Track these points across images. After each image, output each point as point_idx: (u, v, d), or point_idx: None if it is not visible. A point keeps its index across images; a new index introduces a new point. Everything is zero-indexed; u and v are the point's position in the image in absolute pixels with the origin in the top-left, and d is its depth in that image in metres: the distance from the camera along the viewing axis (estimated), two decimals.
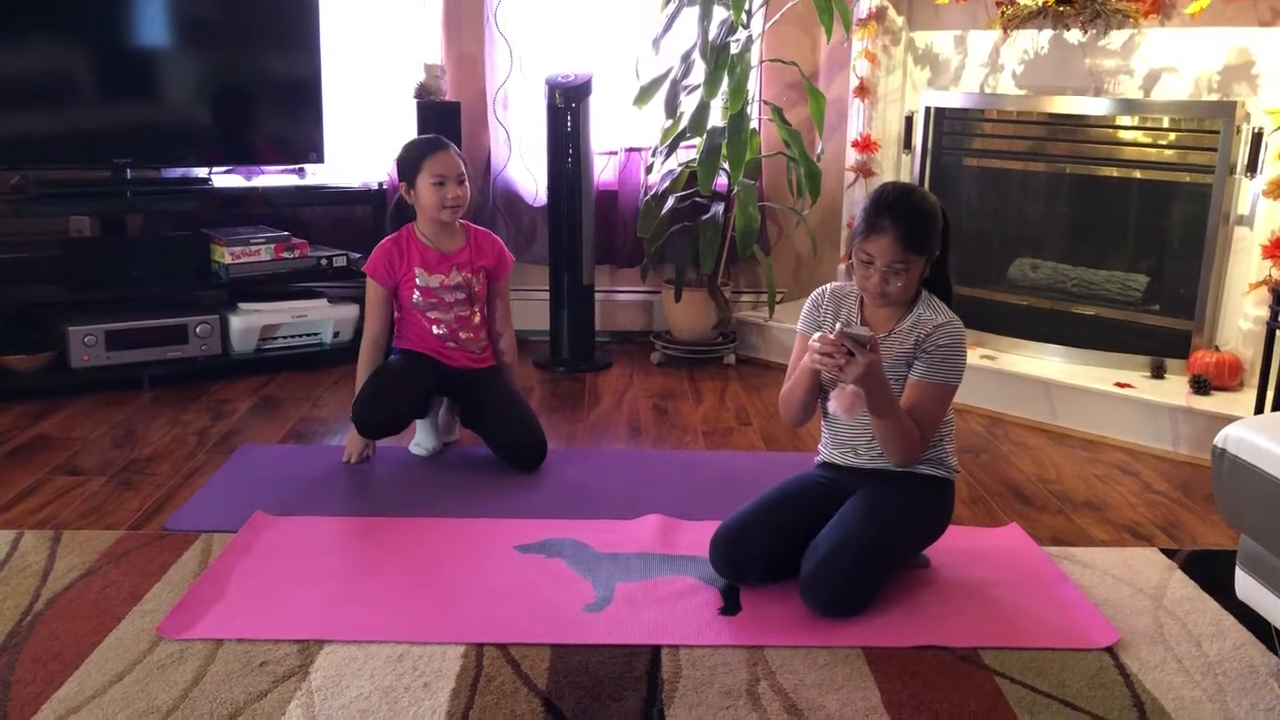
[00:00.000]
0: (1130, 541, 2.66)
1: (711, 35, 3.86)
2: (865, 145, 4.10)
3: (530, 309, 4.49)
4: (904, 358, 2.29)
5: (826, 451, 2.45)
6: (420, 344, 3.10)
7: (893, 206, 2.20)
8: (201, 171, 4.08)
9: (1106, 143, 3.68)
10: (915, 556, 2.44)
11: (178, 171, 4.09)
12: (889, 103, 4.07)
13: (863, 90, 4.09)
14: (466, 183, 3.02)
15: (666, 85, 4.02)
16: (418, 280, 3.04)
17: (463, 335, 3.11)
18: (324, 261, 4.07)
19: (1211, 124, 3.37)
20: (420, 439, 3.16)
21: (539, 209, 4.35)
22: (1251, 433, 1.91)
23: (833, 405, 2.24)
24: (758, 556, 2.30)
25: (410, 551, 2.48)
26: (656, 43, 4.03)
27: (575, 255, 4.11)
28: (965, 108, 3.91)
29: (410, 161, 3.00)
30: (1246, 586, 2.01)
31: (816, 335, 2.17)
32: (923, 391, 2.26)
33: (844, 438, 2.39)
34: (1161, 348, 3.54)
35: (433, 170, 2.96)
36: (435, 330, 3.08)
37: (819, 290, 2.44)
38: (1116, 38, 3.47)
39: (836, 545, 2.21)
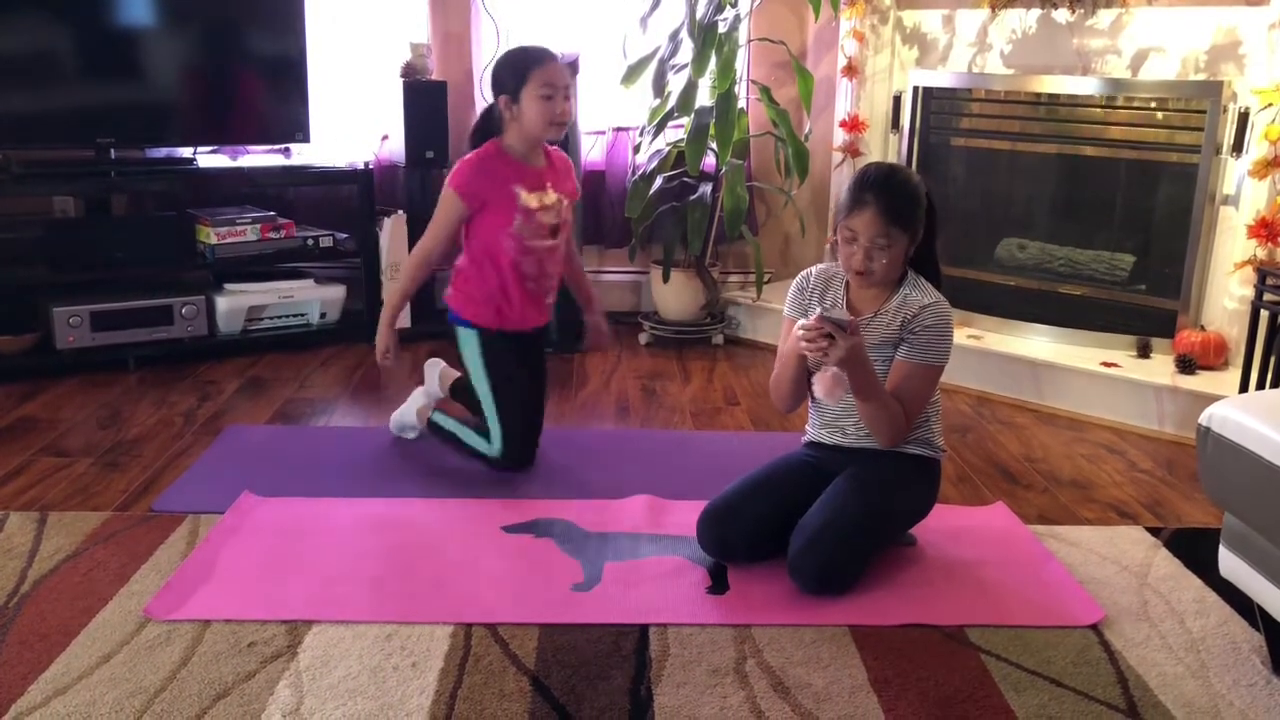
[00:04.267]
0: (1115, 520, 2.68)
1: (699, 14, 3.85)
2: (853, 125, 4.10)
3: None
4: (890, 339, 2.29)
5: (814, 431, 2.46)
6: (501, 301, 2.78)
7: (876, 183, 2.22)
8: (186, 151, 4.06)
9: (1094, 122, 3.68)
10: (902, 535, 2.45)
11: (162, 151, 4.06)
12: (877, 82, 4.07)
13: (851, 70, 4.08)
14: (572, 95, 2.75)
15: (654, 64, 4.01)
16: (521, 200, 2.71)
17: (549, 272, 2.83)
18: (310, 242, 4.06)
19: (1198, 104, 3.37)
20: (404, 422, 3.09)
21: None
22: (1236, 411, 1.92)
23: (816, 389, 2.25)
24: (744, 535, 2.31)
25: (398, 532, 2.48)
26: (644, 21, 4.01)
27: None
28: (953, 87, 3.90)
29: (515, 71, 2.69)
30: (1230, 564, 2.02)
31: (800, 322, 2.17)
32: (909, 372, 2.27)
33: (831, 418, 2.39)
34: (1147, 327, 3.56)
35: (542, 80, 2.66)
36: (525, 268, 2.77)
37: (804, 273, 2.44)
38: (1104, 17, 3.46)
39: (823, 525, 2.22)
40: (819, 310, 2.17)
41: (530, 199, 2.73)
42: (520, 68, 2.69)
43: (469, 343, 2.83)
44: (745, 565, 2.32)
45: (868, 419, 2.27)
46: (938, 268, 2.37)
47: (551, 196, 2.77)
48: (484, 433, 2.85)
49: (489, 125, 2.78)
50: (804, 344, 2.13)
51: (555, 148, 2.91)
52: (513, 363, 2.83)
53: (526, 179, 2.74)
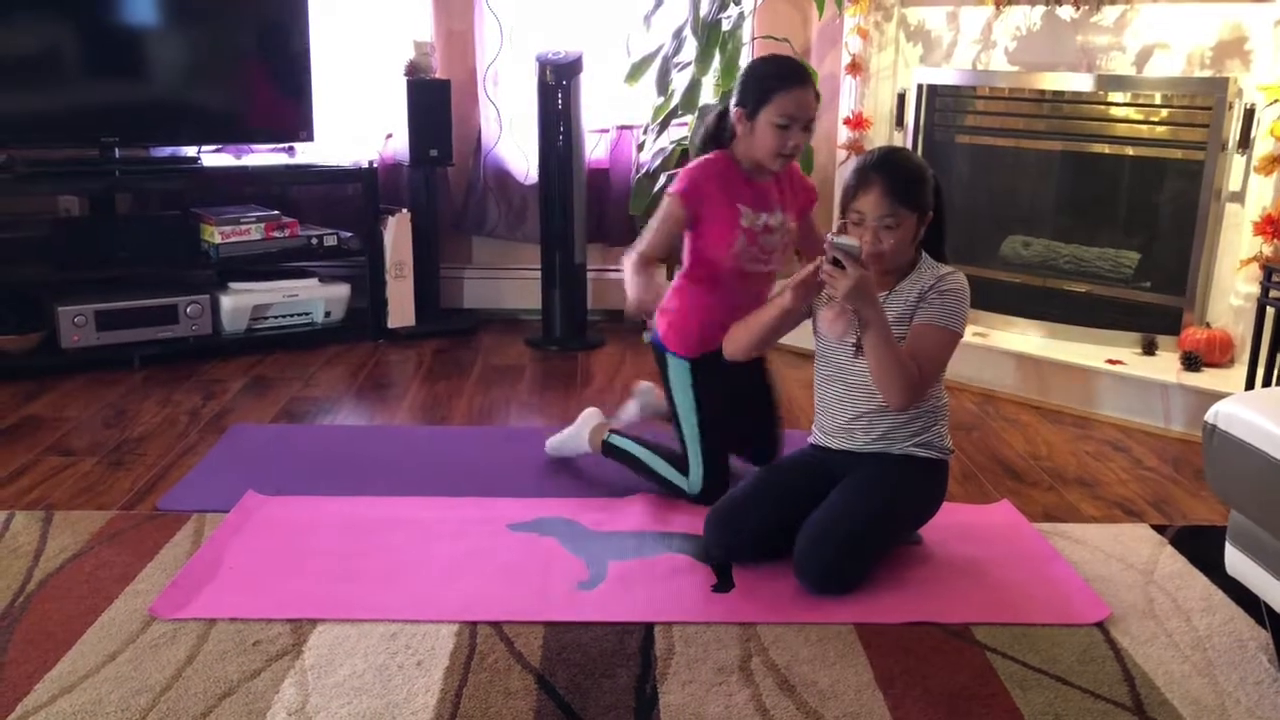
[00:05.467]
0: (1121, 517, 2.67)
1: (703, 11, 3.84)
2: (857, 122, 4.09)
3: (522, 288, 4.49)
4: (908, 314, 2.27)
5: (822, 437, 2.43)
6: (708, 324, 2.56)
7: (878, 162, 2.23)
8: (191, 150, 4.06)
9: (1099, 119, 3.68)
10: (907, 534, 2.44)
11: (166, 150, 4.06)
12: (881, 80, 4.06)
13: (855, 67, 4.07)
14: (813, 127, 2.50)
15: (658, 62, 4.01)
16: (743, 220, 2.51)
17: (763, 298, 2.59)
18: (315, 240, 4.06)
19: (1204, 100, 3.36)
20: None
21: (530, 187, 4.34)
22: (1242, 408, 1.91)
23: (821, 324, 2.20)
24: (751, 538, 2.31)
25: (403, 530, 2.48)
26: (648, 19, 4.01)
27: (567, 234, 4.10)
28: (957, 85, 3.89)
29: (759, 88, 2.46)
30: (1236, 561, 2.02)
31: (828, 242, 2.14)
32: (924, 334, 2.24)
33: (841, 423, 2.37)
34: (1153, 324, 3.55)
35: (782, 109, 2.42)
36: (739, 294, 2.56)
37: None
38: (1109, 13, 3.45)
39: (829, 525, 2.22)
40: (829, 236, 2.13)
41: (755, 220, 2.54)
42: (765, 86, 2.45)
43: (679, 374, 2.64)
44: (751, 565, 2.32)
45: (877, 370, 2.20)
46: (944, 256, 2.36)
47: (778, 218, 2.57)
48: (678, 464, 2.66)
49: (719, 133, 2.57)
50: (823, 274, 2.12)
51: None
52: (722, 396, 2.60)
53: (753, 197, 2.54)
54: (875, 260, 2.23)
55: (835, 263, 2.10)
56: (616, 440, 2.79)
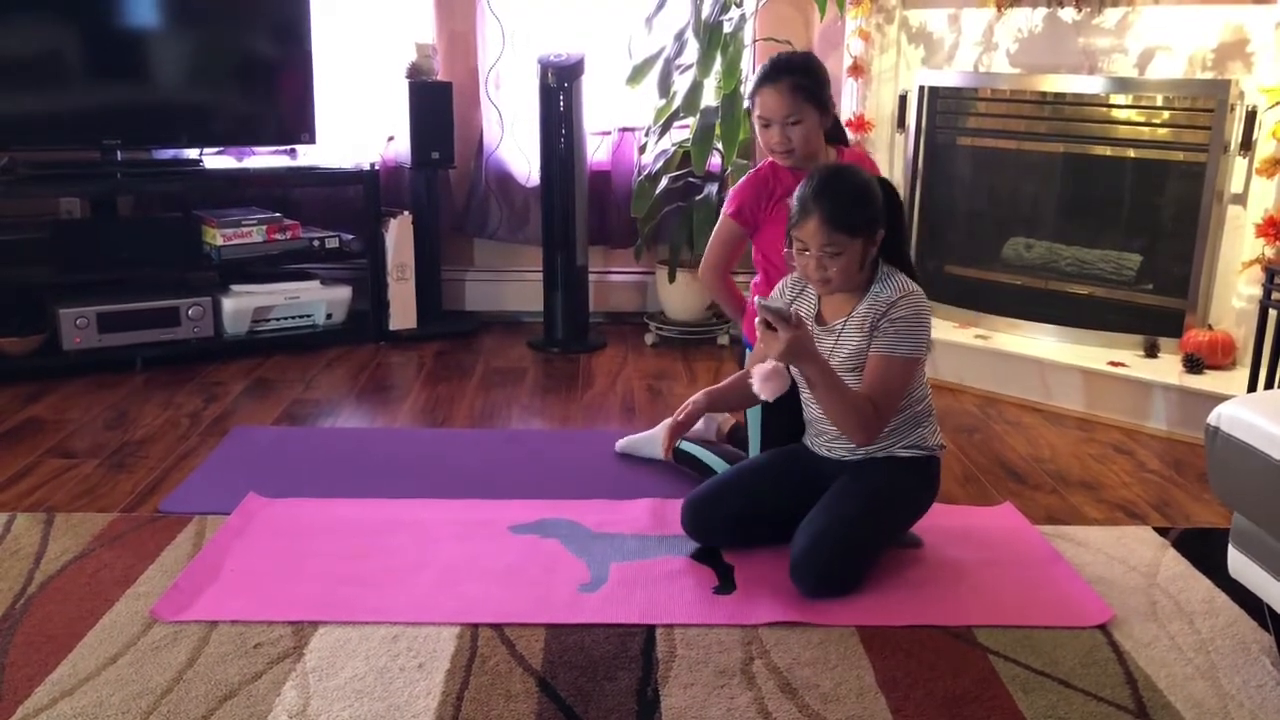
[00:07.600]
0: (1124, 520, 2.67)
1: (704, 13, 3.84)
2: (859, 125, 4.09)
3: (523, 290, 4.49)
4: (865, 344, 2.24)
5: (812, 443, 2.43)
6: None
7: (818, 189, 2.17)
8: (192, 153, 4.07)
9: (1100, 121, 3.67)
10: (906, 535, 2.44)
11: (168, 153, 4.07)
12: (883, 82, 4.06)
13: (856, 69, 4.07)
14: (805, 123, 2.41)
15: (659, 64, 4.00)
16: None
17: None
18: (316, 243, 4.06)
19: (1205, 102, 3.36)
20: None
21: (532, 189, 4.34)
22: (1244, 411, 1.91)
23: (755, 385, 2.17)
24: (724, 521, 2.36)
25: (404, 532, 2.48)
26: (649, 21, 4.01)
27: (569, 236, 4.10)
28: (959, 86, 3.89)
29: (752, 88, 2.46)
30: (1239, 564, 2.01)
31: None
32: (879, 366, 2.21)
33: (828, 439, 2.36)
34: (1155, 327, 3.54)
35: (757, 110, 2.42)
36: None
37: (781, 282, 2.43)
38: (1111, 15, 3.45)
39: (822, 529, 2.22)
40: (755, 300, 2.11)
41: None
42: (753, 87, 2.44)
43: None
44: (735, 550, 2.37)
45: (830, 416, 2.22)
46: (908, 259, 2.34)
47: None
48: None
49: None
50: (757, 335, 2.12)
51: (851, 147, 2.70)
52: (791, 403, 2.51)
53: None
54: (823, 286, 2.23)
55: (767, 324, 2.07)
56: (686, 446, 2.86)
